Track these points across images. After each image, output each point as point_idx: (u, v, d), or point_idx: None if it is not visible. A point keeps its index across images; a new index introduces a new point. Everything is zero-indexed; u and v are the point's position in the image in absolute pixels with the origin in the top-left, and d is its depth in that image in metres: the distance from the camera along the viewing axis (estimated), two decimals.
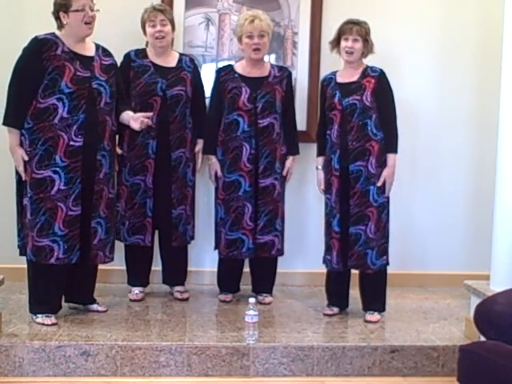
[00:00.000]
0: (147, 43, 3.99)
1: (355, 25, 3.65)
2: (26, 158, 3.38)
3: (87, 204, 3.46)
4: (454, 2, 4.49)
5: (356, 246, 3.64)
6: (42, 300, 3.47)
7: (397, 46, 4.41)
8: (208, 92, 4.06)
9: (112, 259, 3.66)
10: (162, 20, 3.89)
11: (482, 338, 2.75)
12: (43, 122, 3.36)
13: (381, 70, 3.71)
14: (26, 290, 3.55)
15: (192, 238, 4.09)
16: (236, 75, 3.92)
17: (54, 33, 3.45)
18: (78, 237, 3.43)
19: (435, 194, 4.56)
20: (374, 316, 3.71)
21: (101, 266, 3.72)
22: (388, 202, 3.71)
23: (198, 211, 4.21)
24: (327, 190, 3.75)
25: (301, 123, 4.33)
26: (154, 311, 3.83)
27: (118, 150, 3.83)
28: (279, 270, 4.17)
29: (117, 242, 3.92)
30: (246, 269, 4.11)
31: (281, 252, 4.01)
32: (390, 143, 3.68)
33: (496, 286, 3.32)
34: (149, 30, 3.91)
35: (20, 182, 3.47)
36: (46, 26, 3.46)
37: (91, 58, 3.49)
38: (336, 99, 3.68)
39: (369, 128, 3.63)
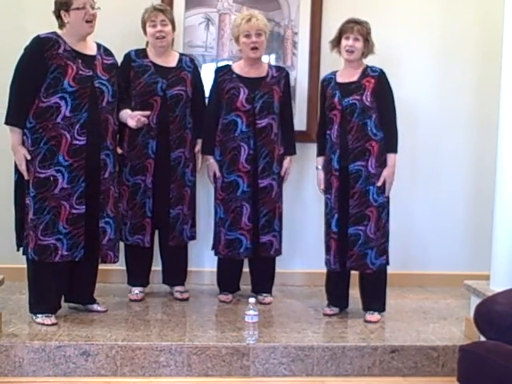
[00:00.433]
0: (147, 43, 3.99)
1: (356, 24, 3.65)
2: (29, 157, 3.38)
3: (92, 203, 3.46)
4: (454, 2, 4.49)
5: (355, 247, 3.63)
6: (42, 300, 3.47)
7: (397, 45, 4.41)
8: (208, 92, 4.06)
9: (118, 259, 3.67)
10: (163, 20, 3.89)
11: (482, 338, 2.75)
12: (46, 120, 3.37)
13: (381, 69, 3.71)
14: (26, 290, 3.54)
15: (192, 238, 4.09)
16: (234, 75, 3.92)
17: (55, 32, 3.45)
18: (83, 235, 3.43)
19: (435, 194, 4.56)
20: (373, 316, 3.71)
21: (101, 266, 3.72)
22: (388, 201, 3.71)
23: (199, 211, 4.21)
24: (327, 190, 3.75)
25: (301, 123, 4.34)
26: (154, 311, 3.83)
27: (119, 150, 3.82)
28: (279, 270, 4.17)
29: None
30: (246, 268, 4.11)
31: (279, 252, 4.01)
32: (390, 143, 3.68)
33: (496, 286, 3.32)
34: (149, 29, 3.91)
35: (19, 182, 3.47)
36: (46, 25, 3.47)
37: (93, 57, 3.50)
38: (336, 99, 3.68)
39: (369, 128, 3.63)
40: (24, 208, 3.44)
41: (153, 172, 3.91)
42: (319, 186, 3.85)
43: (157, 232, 4.04)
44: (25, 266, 3.50)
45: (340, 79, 3.74)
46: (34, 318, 3.47)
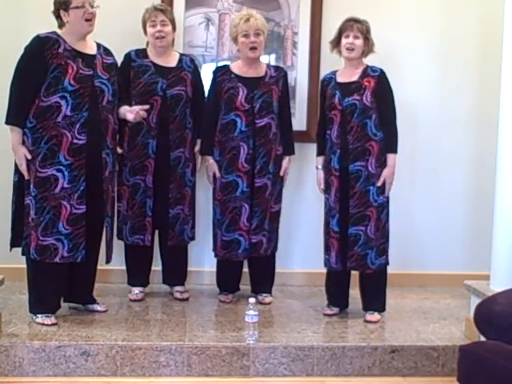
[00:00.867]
0: (148, 43, 3.99)
1: (356, 22, 3.66)
2: (30, 157, 3.38)
3: (92, 202, 3.46)
4: (454, 2, 4.49)
5: (356, 247, 3.64)
6: (42, 300, 3.47)
7: (397, 45, 4.41)
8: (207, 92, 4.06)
9: (111, 259, 3.66)
10: (163, 20, 3.89)
11: (482, 338, 2.75)
12: (46, 120, 3.37)
13: (381, 69, 3.71)
14: (26, 290, 3.54)
15: (192, 238, 4.09)
16: (233, 75, 3.92)
17: (55, 31, 3.45)
18: (84, 235, 3.43)
19: (435, 194, 4.56)
20: (373, 316, 3.71)
21: (101, 266, 3.72)
22: (388, 201, 3.71)
23: (199, 212, 4.21)
24: (327, 190, 3.75)
25: (300, 123, 4.34)
26: (154, 311, 3.83)
27: (119, 150, 3.83)
28: (279, 270, 4.17)
29: (117, 242, 3.93)
30: (246, 268, 4.11)
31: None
32: (390, 143, 3.68)
33: (496, 286, 3.32)
34: (149, 29, 3.91)
35: (19, 182, 3.46)
36: (46, 25, 3.47)
37: (93, 56, 3.50)
38: (336, 99, 3.68)
39: (368, 128, 3.63)
40: (23, 208, 3.44)
41: (153, 172, 3.91)
42: (319, 186, 3.85)
43: (157, 232, 4.04)
44: (25, 265, 3.50)
45: (340, 79, 3.74)
46: (34, 318, 3.47)
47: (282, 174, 3.99)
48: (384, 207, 3.68)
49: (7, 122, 3.40)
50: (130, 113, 3.57)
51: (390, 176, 3.67)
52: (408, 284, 4.47)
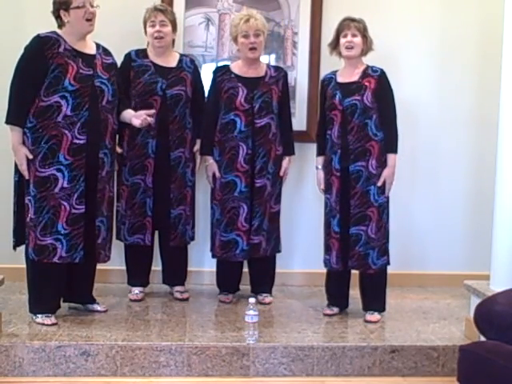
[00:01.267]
0: (148, 43, 3.99)
1: (352, 21, 3.67)
2: (31, 157, 3.37)
3: (90, 202, 3.46)
4: (454, 2, 4.49)
5: (357, 247, 3.64)
6: (42, 300, 3.47)
7: (397, 45, 4.41)
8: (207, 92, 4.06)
9: (109, 258, 3.66)
10: (162, 21, 3.88)
11: (482, 338, 2.75)
12: (46, 120, 3.36)
13: (381, 69, 3.71)
14: (26, 290, 3.54)
15: (192, 238, 4.09)
16: (232, 75, 3.92)
17: (55, 31, 3.45)
18: (82, 235, 3.43)
19: (435, 194, 4.56)
20: (373, 316, 3.71)
21: (100, 266, 3.72)
22: (388, 201, 3.71)
23: (199, 212, 4.21)
24: (327, 190, 3.75)
25: (301, 123, 4.34)
26: (154, 311, 3.83)
27: (118, 150, 3.83)
28: (279, 270, 4.17)
29: (117, 242, 3.94)
30: (246, 268, 4.10)
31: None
32: (390, 143, 3.68)
33: (496, 286, 3.32)
34: (149, 29, 3.91)
35: (19, 182, 3.46)
36: (46, 25, 3.47)
37: (93, 56, 3.50)
38: (336, 99, 3.68)
39: (369, 128, 3.63)
40: (24, 208, 3.44)
41: (153, 172, 3.91)
42: (319, 186, 3.85)
43: (157, 232, 4.04)
44: (24, 265, 3.50)
45: (340, 79, 3.74)
46: (34, 318, 3.47)
47: (281, 174, 3.99)
48: (384, 207, 3.68)
49: (7, 122, 3.40)
50: (136, 118, 3.55)
51: (390, 176, 3.67)
52: (408, 284, 4.47)
